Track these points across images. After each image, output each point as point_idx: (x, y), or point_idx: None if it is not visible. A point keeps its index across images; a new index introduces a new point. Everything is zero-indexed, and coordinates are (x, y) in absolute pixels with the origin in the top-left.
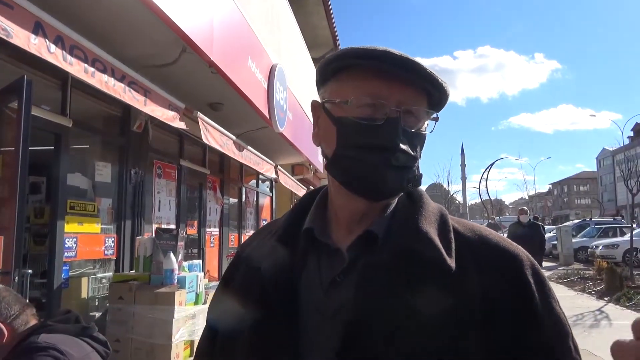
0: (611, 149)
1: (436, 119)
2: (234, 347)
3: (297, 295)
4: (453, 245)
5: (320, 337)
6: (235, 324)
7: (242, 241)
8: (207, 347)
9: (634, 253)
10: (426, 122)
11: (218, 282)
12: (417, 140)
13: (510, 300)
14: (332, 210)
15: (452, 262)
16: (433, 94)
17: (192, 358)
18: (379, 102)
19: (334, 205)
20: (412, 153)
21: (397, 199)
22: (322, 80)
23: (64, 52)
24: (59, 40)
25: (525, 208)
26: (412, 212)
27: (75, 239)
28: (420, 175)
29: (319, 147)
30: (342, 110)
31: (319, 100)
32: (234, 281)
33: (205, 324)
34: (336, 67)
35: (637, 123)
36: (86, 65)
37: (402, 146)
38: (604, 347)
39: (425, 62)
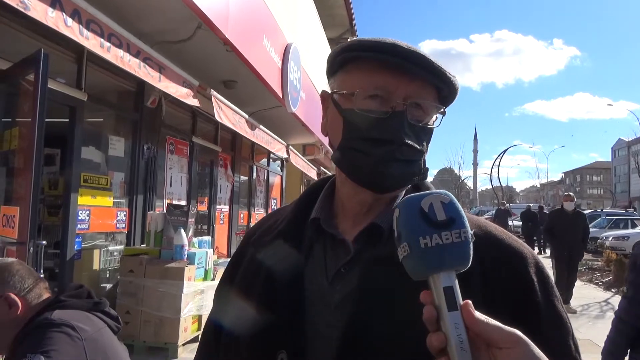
0: (627, 140)
1: (443, 113)
2: (240, 332)
3: (302, 284)
4: None
5: (323, 326)
6: (241, 310)
7: (252, 219)
8: (213, 332)
9: None
10: (434, 116)
11: (227, 259)
12: (424, 134)
13: (513, 297)
14: (339, 201)
15: None
16: (441, 88)
17: (199, 340)
18: (386, 94)
19: (341, 196)
20: (417, 147)
21: (404, 191)
22: (331, 71)
23: (80, 26)
24: (75, 14)
25: (572, 194)
26: None
27: (88, 212)
28: (427, 169)
29: (327, 137)
30: (349, 102)
31: (328, 90)
32: (241, 267)
33: (212, 308)
34: (344, 58)
35: None
36: (102, 39)
37: (408, 140)
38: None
39: (440, 45)
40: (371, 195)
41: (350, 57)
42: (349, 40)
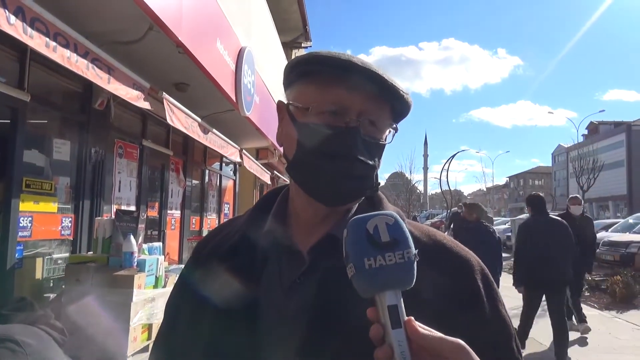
0: (566, 146)
1: (396, 129)
2: (193, 347)
3: (257, 296)
4: None
5: (280, 338)
6: (194, 323)
7: (204, 224)
8: (164, 344)
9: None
10: (387, 131)
11: (178, 266)
12: (376, 150)
13: (459, 303)
14: (293, 211)
15: None
16: (395, 105)
17: (150, 348)
18: (340, 110)
19: (295, 206)
20: (370, 162)
21: (357, 203)
22: (287, 83)
23: (24, 24)
24: (19, 12)
25: (579, 197)
26: None
27: (30, 218)
28: (378, 184)
29: (282, 146)
30: (304, 115)
31: (284, 100)
32: (193, 281)
33: (162, 321)
34: (300, 71)
35: (591, 122)
36: (47, 39)
37: (360, 156)
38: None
39: (391, 51)
40: (325, 207)
41: (306, 70)
42: (304, 47)
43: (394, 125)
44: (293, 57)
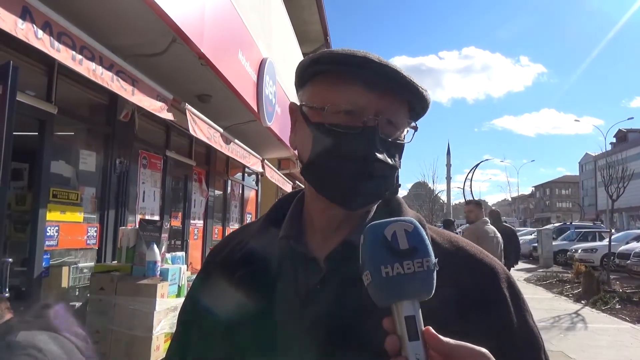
0: (594, 154)
1: (415, 128)
2: (208, 353)
3: (272, 305)
4: None
5: (297, 348)
6: (208, 334)
7: (226, 234)
8: (179, 350)
9: (612, 258)
10: (406, 130)
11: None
12: (395, 149)
13: (485, 313)
14: (308, 217)
15: None
16: (413, 102)
17: None
18: (357, 110)
19: (310, 211)
20: (389, 162)
21: (375, 206)
22: (300, 83)
23: (51, 38)
24: (47, 27)
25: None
26: None
27: (57, 228)
28: (399, 185)
29: (295, 150)
30: (319, 116)
31: (297, 102)
32: (207, 289)
33: (175, 333)
34: (314, 71)
35: (619, 129)
36: (74, 52)
37: (379, 156)
38: (578, 350)
39: (411, 60)
40: (342, 211)
41: (321, 69)
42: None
43: (413, 124)
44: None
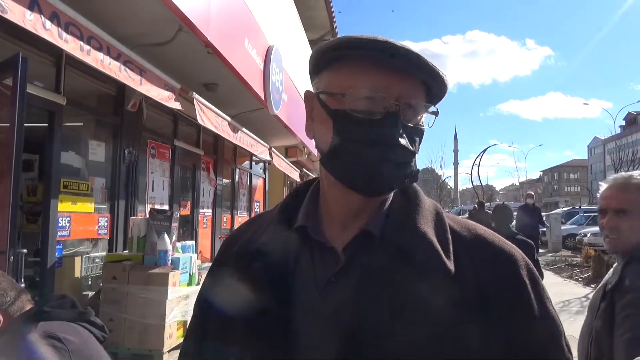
0: (603, 138)
1: (436, 113)
2: (225, 345)
3: (290, 296)
4: (451, 247)
5: (315, 338)
6: (226, 321)
7: (235, 223)
8: (196, 340)
9: None
10: (424, 115)
11: (210, 264)
12: (416, 134)
13: (505, 300)
14: (325, 206)
15: (451, 265)
16: (432, 86)
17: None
18: (378, 95)
19: (327, 200)
20: (411, 148)
21: (392, 194)
22: (317, 70)
23: (59, 29)
24: (54, 17)
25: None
26: (408, 210)
27: (68, 218)
28: (418, 171)
29: (312, 139)
30: (339, 102)
31: (312, 90)
32: (224, 276)
33: (193, 315)
34: (332, 57)
35: (629, 112)
36: (82, 42)
37: (402, 141)
38: None
39: (415, 46)
40: (361, 199)
41: (339, 55)
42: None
43: (434, 109)
44: None
